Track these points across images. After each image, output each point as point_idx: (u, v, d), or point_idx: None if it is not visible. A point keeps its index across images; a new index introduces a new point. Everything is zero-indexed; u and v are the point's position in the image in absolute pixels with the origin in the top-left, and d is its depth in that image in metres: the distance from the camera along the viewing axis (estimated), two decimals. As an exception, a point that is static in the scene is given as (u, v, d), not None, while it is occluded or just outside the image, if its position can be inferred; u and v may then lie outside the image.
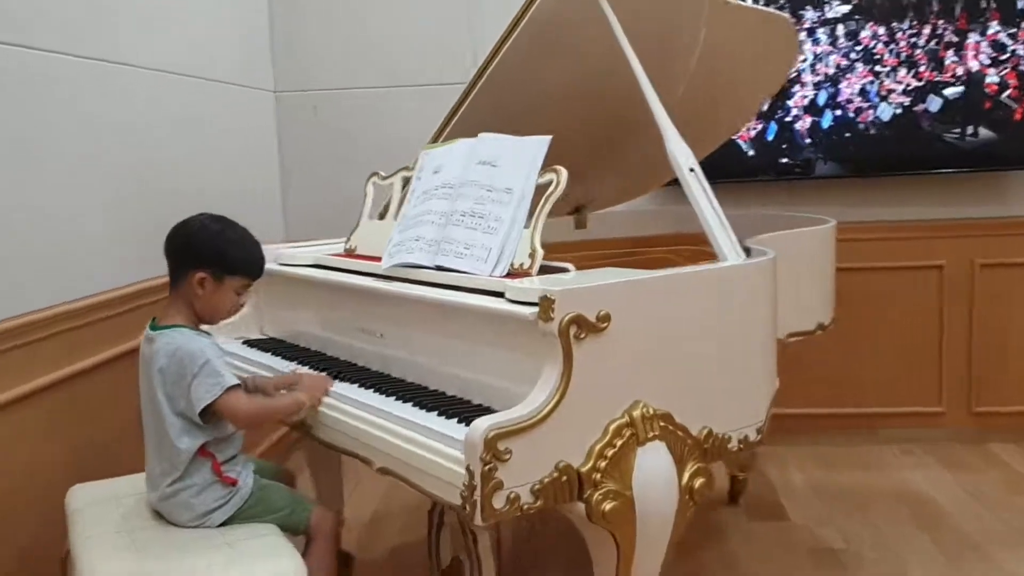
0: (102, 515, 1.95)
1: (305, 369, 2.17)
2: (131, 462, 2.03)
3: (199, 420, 1.86)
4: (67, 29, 2.40)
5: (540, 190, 1.87)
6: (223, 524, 1.89)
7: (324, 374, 2.04)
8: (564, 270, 1.83)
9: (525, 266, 1.82)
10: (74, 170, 2.43)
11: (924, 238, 3.68)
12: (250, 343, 2.48)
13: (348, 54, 3.77)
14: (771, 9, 3.24)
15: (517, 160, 1.93)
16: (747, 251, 2.04)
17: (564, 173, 1.85)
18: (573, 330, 1.56)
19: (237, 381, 1.89)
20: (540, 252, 1.81)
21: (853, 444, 3.72)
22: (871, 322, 3.71)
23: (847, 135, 3.51)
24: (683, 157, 1.99)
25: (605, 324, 1.59)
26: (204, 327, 1.99)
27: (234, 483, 1.91)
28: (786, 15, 2.82)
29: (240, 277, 1.98)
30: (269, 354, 2.34)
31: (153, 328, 1.93)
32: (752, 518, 3.09)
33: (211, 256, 1.95)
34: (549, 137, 1.91)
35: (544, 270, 1.82)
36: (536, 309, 1.58)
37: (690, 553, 2.81)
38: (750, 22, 2.60)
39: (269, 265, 2.49)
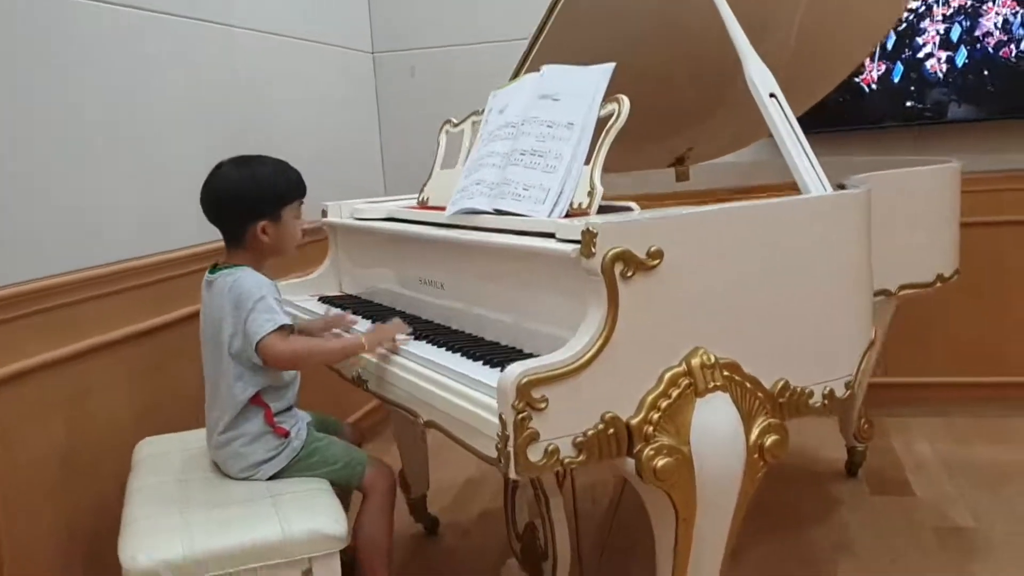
0: (162, 466, 1.94)
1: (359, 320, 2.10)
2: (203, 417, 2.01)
3: (256, 359, 1.80)
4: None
5: (602, 123, 1.72)
6: (275, 477, 1.84)
7: (398, 320, 1.91)
8: (627, 209, 1.67)
9: (584, 205, 1.66)
10: (177, 127, 2.50)
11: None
12: (325, 299, 2.43)
13: (443, 12, 3.70)
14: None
15: (579, 91, 1.78)
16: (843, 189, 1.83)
17: (626, 102, 1.68)
18: (619, 267, 1.41)
19: (289, 321, 1.83)
20: (600, 190, 1.66)
21: (988, 416, 3.37)
22: (1009, 282, 3.36)
23: (985, 73, 3.13)
24: (762, 82, 1.78)
25: (656, 261, 1.43)
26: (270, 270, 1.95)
27: (286, 435, 1.86)
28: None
29: (291, 204, 1.94)
30: (340, 310, 2.27)
31: (212, 271, 1.91)
32: (873, 492, 2.84)
33: (262, 202, 1.90)
34: (612, 64, 1.75)
35: (605, 210, 1.67)
36: (579, 246, 1.44)
37: (800, 527, 2.60)
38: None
39: (344, 220, 2.45)
